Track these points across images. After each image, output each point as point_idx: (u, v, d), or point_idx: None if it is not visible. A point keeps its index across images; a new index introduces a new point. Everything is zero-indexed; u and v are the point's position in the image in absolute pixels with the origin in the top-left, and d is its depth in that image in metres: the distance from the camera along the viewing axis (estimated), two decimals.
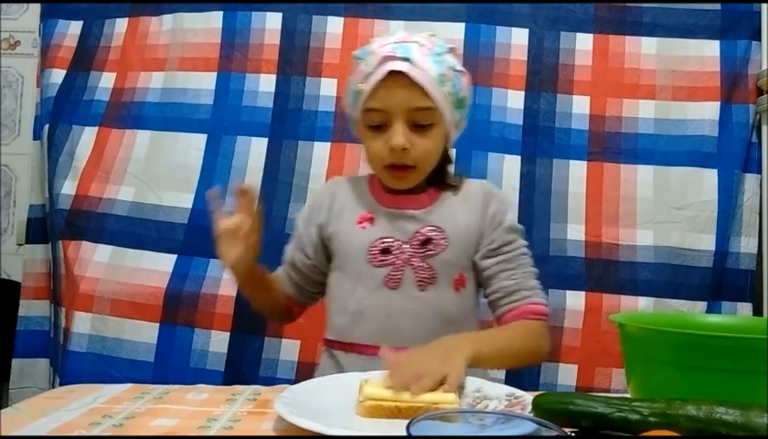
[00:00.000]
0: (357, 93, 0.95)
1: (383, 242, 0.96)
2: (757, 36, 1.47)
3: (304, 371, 1.36)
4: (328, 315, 1.02)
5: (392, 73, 0.90)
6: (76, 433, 0.61)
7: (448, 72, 0.94)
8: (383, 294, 0.96)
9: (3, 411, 0.68)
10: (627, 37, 1.50)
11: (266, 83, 1.55)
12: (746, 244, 1.42)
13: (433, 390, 0.69)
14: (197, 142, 1.53)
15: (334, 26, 1.55)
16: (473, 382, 0.79)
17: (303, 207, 1.11)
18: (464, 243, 0.99)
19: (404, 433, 0.46)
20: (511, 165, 1.47)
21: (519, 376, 1.37)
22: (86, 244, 1.49)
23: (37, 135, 1.67)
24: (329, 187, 1.08)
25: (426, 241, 0.96)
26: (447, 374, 0.71)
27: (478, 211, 1.01)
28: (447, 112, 0.95)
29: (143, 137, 1.55)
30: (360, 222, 0.99)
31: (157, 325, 1.41)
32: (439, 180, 1.02)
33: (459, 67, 0.97)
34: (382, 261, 0.96)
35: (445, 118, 0.95)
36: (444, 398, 0.69)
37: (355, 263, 0.98)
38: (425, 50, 0.92)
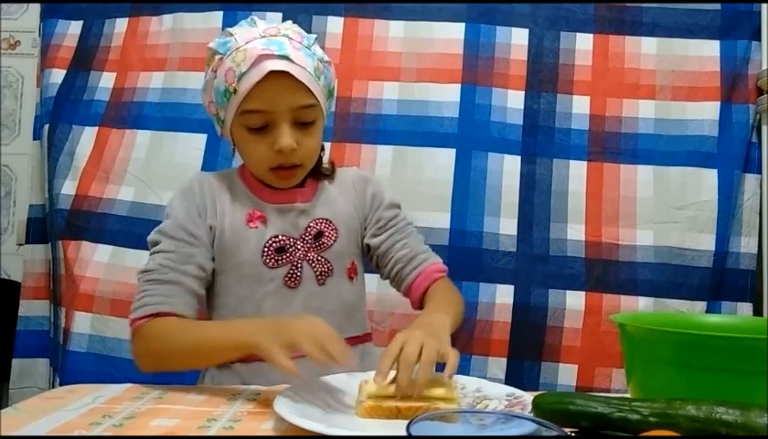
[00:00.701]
0: (226, 93, 0.89)
1: (276, 241, 0.92)
2: (757, 36, 1.47)
3: None
4: None
5: (272, 73, 0.86)
6: (76, 433, 0.61)
7: (319, 65, 0.92)
8: (283, 295, 0.92)
9: (3, 411, 0.68)
10: (627, 37, 1.50)
11: None
12: (746, 244, 1.42)
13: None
14: (197, 142, 1.53)
15: (334, 26, 1.55)
16: (473, 382, 0.79)
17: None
18: (352, 231, 1.00)
19: (404, 433, 0.46)
20: (511, 165, 1.47)
21: (519, 376, 1.37)
22: (86, 244, 1.49)
23: (37, 135, 1.67)
24: (201, 183, 0.97)
25: (319, 234, 0.95)
26: (446, 353, 0.71)
27: (356, 197, 1.02)
28: (323, 104, 0.94)
29: (143, 137, 1.55)
30: (251, 221, 0.93)
31: None
32: (314, 171, 1.00)
33: (326, 57, 0.95)
34: (278, 260, 0.92)
35: (323, 110, 0.94)
36: (445, 395, 0.69)
37: (248, 266, 0.92)
38: (296, 44, 0.90)
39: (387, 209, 1.03)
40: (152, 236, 0.93)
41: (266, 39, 0.88)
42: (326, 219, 0.96)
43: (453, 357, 0.71)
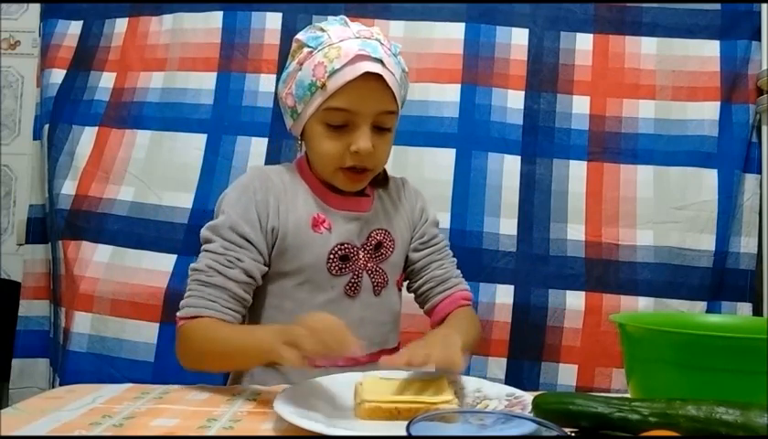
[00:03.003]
0: (311, 86, 0.88)
1: (342, 249, 0.92)
2: (757, 36, 1.47)
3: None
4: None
5: (366, 74, 0.85)
6: (76, 433, 0.61)
7: (402, 74, 0.93)
8: (342, 304, 0.92)
9: (3, 411, 0.68)
10: (627, 37, 1.50)
11: (266, 83, 1.54)
12: (746, 244, 1.42)
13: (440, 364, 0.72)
14: (197, 142, 1.53)
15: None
16: (473, 382, 0.79)
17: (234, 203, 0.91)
18: (404, 243, 1.00)
19: (404, 433, 0.46)
20: (511, 165, 1.46)
21: (519, 376, 1.37)
22: (86, 244, 1.49)
23: (37, 135, 1.67)
24: (262, 180, 0.93)
25: (378, 245, 0.95)
26: (450, 352, 0.74)
27: (410, 210, 1.03)
28: (399, 114, 0.94)
29: (143, 137, 1.54)
30: (316, 226, 0.92)
31: (157, 325, 1.41)
32: (374, 179, 0.99)
33: (406, 68, 0.96)
34: (341, 268, 0.92)
35: (397, 119, 0.94)
36: (443, 398, 0.69)
37: (311, 272, 0.91)
38: (387, 50, 0.90)
39: (431, 226, 1.04)
40: (204, 232, 0.90)
41: (361, 40, 0.88)
42: (386, 230, 0.97)
43: (459, 362, 0.73)
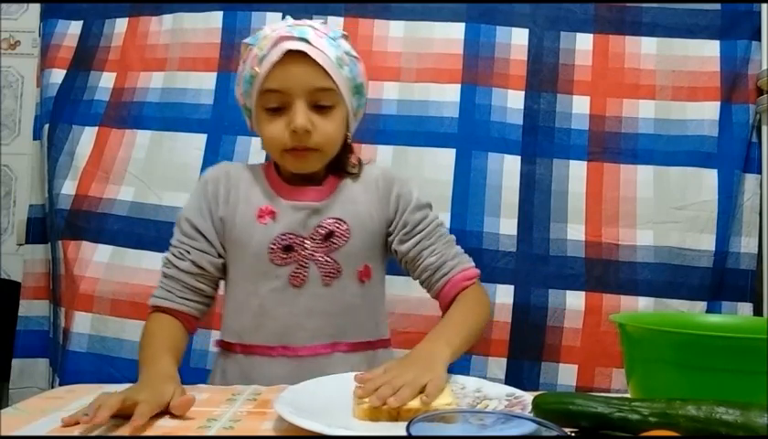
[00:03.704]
0: (251, 78, 0.92)
1: (284, 239, 0.92)
2: (757, 36, 1.47)
3: None
4: (224, 316, 0.98)
5: (290, 54, 0.88)
6: (76, 433, 0.61)
7: (344, 56, 0.93)
8: (287, 293, 0.92)
9: (3, 411, 0.68)
10: (627, 37, 1.50)
11: None
12: (746, 244, 1.42)
13: (413, 398, 0.68)
14: (197, 142, 1.53)
15: (334, 26, 1.55)
16: (473, 382, 0.79)
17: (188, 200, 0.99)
18: (368, 233, 0.97)
19: (404, 434, 0.46)
20: (511, 165, 1.46)
21: (519, 376, 1.37)
22: (86, 244, 1.49)
23: (37, 135, 1.67)
24: (218, 172, 0.99)
25: (329, 235, 0.93)
26: (427, 383, 0.70)
27: (380, 197, 0.99)
28: (347, 96, 0.94)
29: (143, 137, 1.55)
30: (261, 216, 0.93)
31: None
32: (338, 168, 0.99)
33: (354, 53, 0.96)
34: (284, 258, 0.92)
35: (345, 102, 0.94)
36: (443, 400, 0.69)
37: (255, 261, 0.92)
38: (320, 33, 0.91)
39: (414, 212, 0.99)
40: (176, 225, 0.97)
41: (290, 27, 0.91)
42: (339, 219, 0.94)
43: (432, 385, 0.70)
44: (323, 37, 0.91)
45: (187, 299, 0.92)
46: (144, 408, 0.64)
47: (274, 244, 0.91)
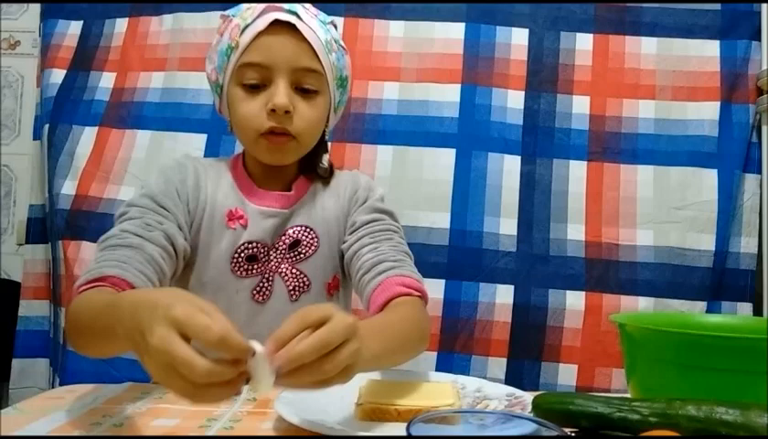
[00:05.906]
0: (229, 49, 0.82)
1: (249, 247, 0.83)
2: (757, 36, 1.47)
3: None
4: None
5: (277, 24, 0.79)
6: (76, 433, 0.61)
7: (333, 43, 0.86)
8: (249, 310, 0.83)
9: (3, 411, 0.68)
10: (627, 37, 1.50)
11: None
12: (746, 244, 1.42)
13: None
14: (197, 142, 1.53)
15: None
16: (473, 382, 0.79)
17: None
18: (333, 240, 0.88)
19: (404, 434, 0.46)
20: (511, 165, 1.46)
21: (519, 376, 1.37)
22: (86, 244, 1.49)
23: (37, 135, 1.67)
24: (186, 163, 0.87)
25: (294, 244, 0.85)
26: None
27: (343, 203, 0.90)
28: (331, 85, 0.86)
29: (143, 137, 1.55)
30: (231, 220, 0.84)
31: None
32: (310, 169, 0.90)
33: (342, 43, 0.88)
34: (248, 270, 0.83)
35: (330, 91, 0.86)
36: (445, 402, 0.69)
37: (215, 271, 0.83)
38: (311, 14, 0.84)
39: (366, 213, 0.89)
40: (119, 210, 0.83)
41: (280, 4, 0.84)
42: (306, 227, 0.86)
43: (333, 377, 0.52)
44: (313, 18, 0.84)
45: (144, 275, 0.74)
46: (214, 313, 0.49)
47: (237, 253, 0.83)
